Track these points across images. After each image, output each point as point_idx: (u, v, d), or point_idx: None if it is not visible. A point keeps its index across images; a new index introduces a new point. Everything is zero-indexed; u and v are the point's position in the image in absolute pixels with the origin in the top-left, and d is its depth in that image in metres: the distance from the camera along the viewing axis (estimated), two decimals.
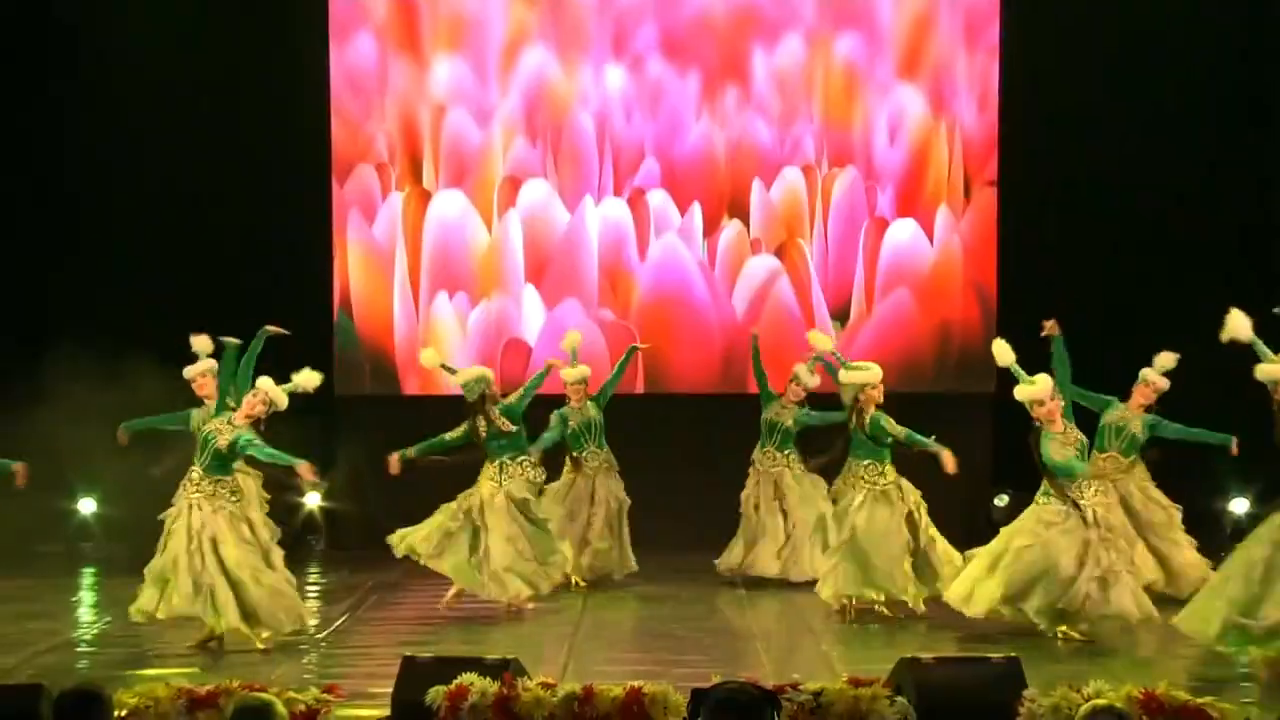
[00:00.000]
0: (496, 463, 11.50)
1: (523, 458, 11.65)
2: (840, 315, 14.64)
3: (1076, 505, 10.16)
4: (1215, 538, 13.71)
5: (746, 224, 14.77)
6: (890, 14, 14.65)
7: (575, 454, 12.63)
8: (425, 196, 14.65)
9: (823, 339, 12.62)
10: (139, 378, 11.92)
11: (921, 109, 14.65)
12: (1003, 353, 10.77)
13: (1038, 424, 10.25)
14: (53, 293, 14.16)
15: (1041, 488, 10.31)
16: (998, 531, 10.73)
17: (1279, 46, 14.05)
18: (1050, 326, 10.50)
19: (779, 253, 14.71)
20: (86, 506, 14.23)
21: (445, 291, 14.66)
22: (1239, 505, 13.94)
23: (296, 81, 14.35)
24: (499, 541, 11.24)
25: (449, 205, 14.66)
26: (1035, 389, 10.27)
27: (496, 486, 11.42)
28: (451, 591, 11.51)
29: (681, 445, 14.23)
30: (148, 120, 14.15)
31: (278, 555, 10.49)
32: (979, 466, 13.67)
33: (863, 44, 14.64)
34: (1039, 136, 14.31)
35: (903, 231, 14.67)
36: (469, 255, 14.69)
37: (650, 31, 14.66)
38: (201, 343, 11.18)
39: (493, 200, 14.66)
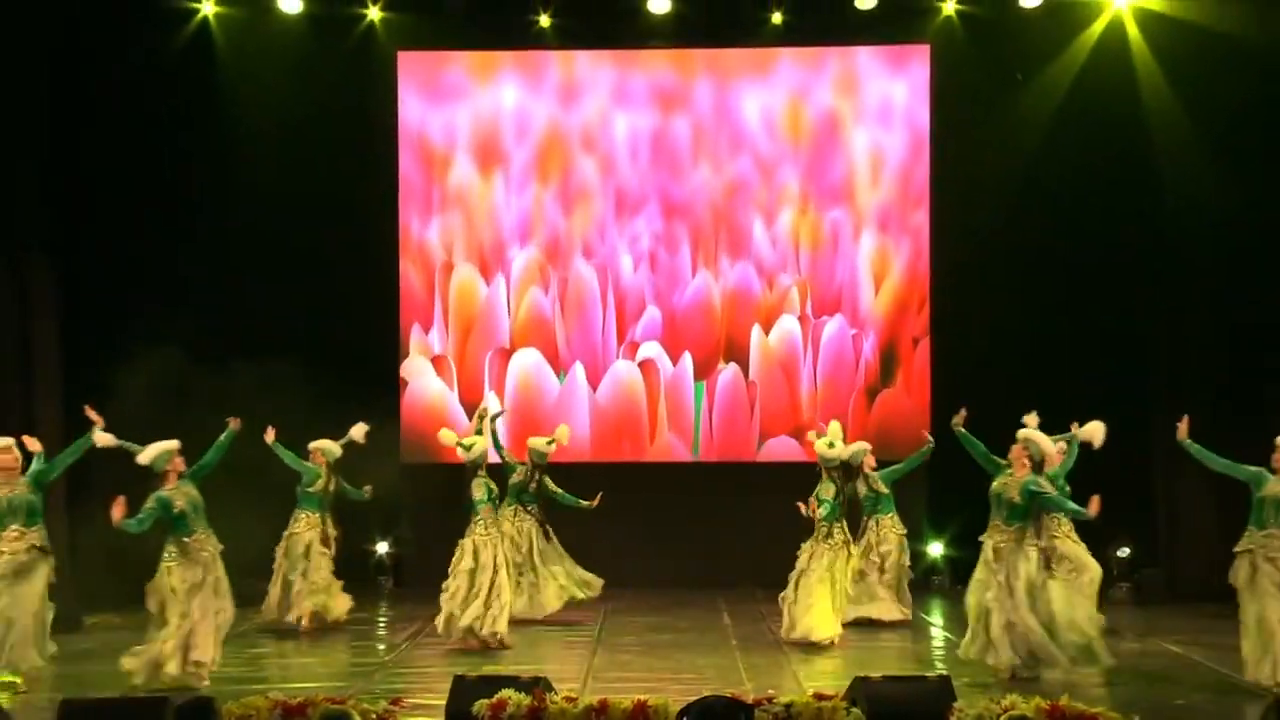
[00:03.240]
0: None
1: None
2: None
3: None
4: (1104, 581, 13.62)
5: (745, 368, 14.25)
6: (867, 188, 14.31)
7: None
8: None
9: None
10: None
11: (894, 265, 14.25)
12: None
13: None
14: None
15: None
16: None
17: (1183, 205, 13.48)
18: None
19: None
20: None
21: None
22: (1122, 551, 13.79)
23: (374, 248, 14.25)
24: None
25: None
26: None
27: None
28: None
29: (675, 506, 14.18)
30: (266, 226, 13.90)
31: None
32: (915, 527, 13.55)
33: (845, 214, 14.25)
34: (965, 290, 13.99)
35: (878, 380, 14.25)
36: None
37: (653, 206, 14.35)
38: None
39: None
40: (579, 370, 14.29)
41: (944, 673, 8.49)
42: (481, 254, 14.44)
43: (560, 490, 12.39)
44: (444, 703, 7.73)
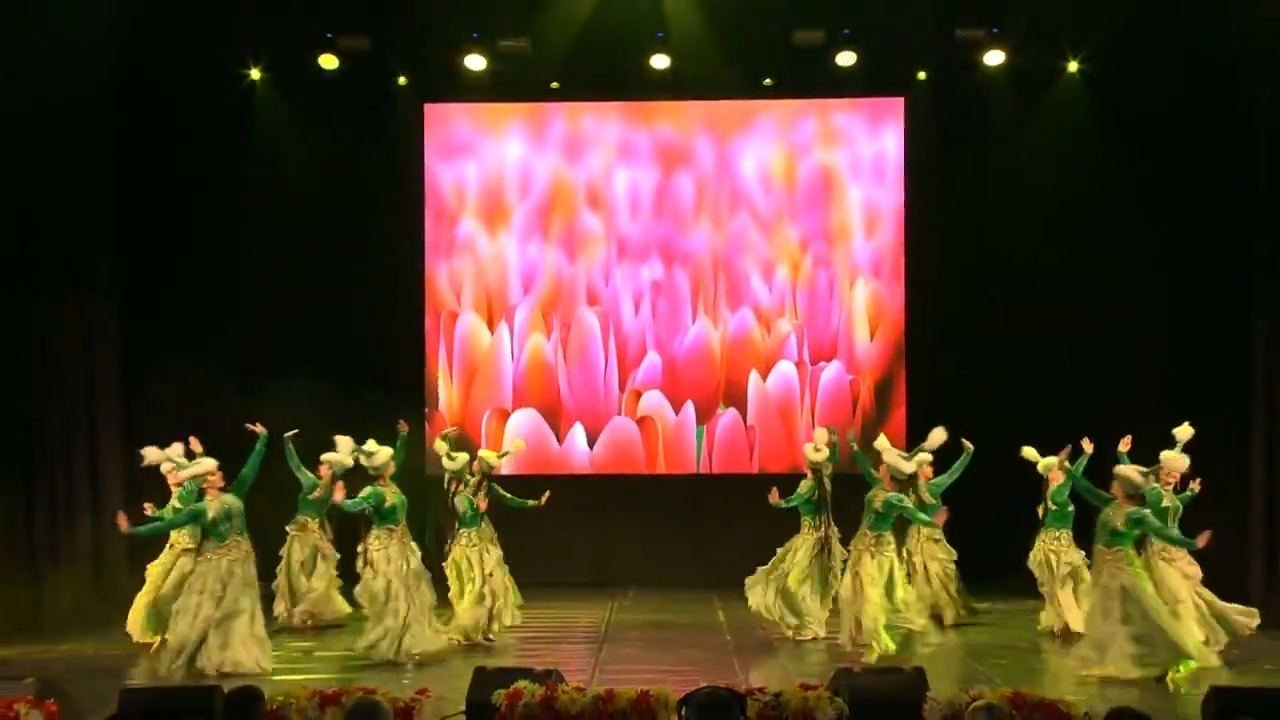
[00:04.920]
0: None
1: None
2: None
3: None
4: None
5: (743, 412, 13.97)
6: (856, 237, 14.15)
7: None
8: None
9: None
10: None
11: (883, 311, 14.03)
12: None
13: None
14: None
15: None
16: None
17: (1134, 252, 13.43)
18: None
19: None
20: None
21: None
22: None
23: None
24: None
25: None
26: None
27: None
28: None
29: (675, 514, 14.19)
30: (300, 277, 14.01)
31: None
32: None
33: (837, 262, 14.04)
34: (939, 332, 13.87)
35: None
36: None
37: (654, 261, 14.14)
38: None
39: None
40: (578, 427, 14.00)
41: (918, 665, 8.51)
42: (488, 302, 14.21)
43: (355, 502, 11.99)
44: (465, 692, 7.77)
